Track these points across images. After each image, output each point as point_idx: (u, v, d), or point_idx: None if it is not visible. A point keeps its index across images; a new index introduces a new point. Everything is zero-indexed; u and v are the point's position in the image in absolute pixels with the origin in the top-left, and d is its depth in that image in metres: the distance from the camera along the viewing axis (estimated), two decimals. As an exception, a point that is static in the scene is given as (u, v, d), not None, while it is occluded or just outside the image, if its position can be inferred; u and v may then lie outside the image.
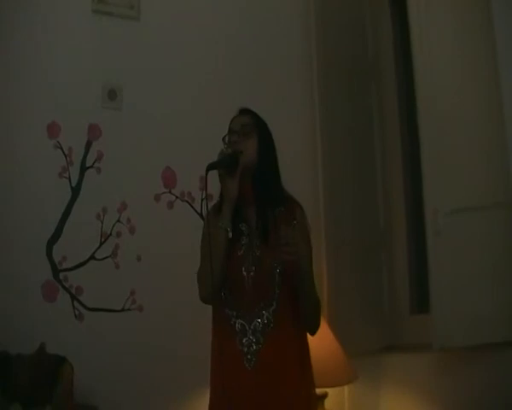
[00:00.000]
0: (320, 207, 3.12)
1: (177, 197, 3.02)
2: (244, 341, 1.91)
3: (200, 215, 3.00)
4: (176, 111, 3.05)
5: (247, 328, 1.92)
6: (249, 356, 1.89)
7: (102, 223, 2.87)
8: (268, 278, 1.95)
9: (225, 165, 1.94)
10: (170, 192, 3.01)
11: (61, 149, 2.85)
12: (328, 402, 2.75)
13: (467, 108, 2.44)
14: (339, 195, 3.13)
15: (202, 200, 3.03)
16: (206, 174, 1.90)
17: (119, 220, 2.90)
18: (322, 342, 2.63)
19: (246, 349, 1.90)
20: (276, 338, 1.92)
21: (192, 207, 3.04)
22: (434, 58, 2.54)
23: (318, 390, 2.68)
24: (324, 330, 2.72)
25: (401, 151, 3.23)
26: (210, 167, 1.92)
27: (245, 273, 1.95)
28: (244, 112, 2.11)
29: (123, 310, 2.83)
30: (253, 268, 1.95)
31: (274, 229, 1.96)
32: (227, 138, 2.04)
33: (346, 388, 3.01)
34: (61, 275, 2.77)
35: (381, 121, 3.33)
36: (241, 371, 1.89)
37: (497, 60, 2.24)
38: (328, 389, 2.72)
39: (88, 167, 2.89)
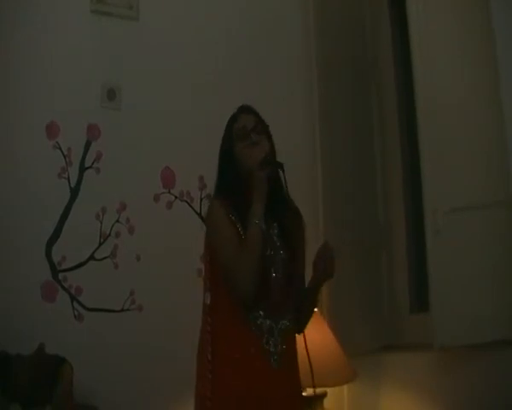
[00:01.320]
0: (320, 207, 3.12)
1: (176, 197, 3.02)
2: (271, 341, 1.91)
3: (200, 215, 3.00)
4: (175, 111, 3.05)
5: (275, 328, 1.93)
6: (276, 357, 1.91)
7: (102, 223, 2.87)
8: (297, 281, 2.00)
9: (277, 168, 1.96)
10: (169, 192, 3.01)
11: (60, 149, 2.85)
12: (327, 402, 2.75)
13: (467, 107, 2.44)
14: (339, 195, 3.13)
15: (201, 200, 3.03)
16: (281, 170, 1.95)
17: (118, 220, 2.89)
18: (321, 342, 2.63)
19: (273, 349, 1.91)
20: (291, 339, 1.98)
21: (191, 207, 3.03)
22: (434, 58, 2.54)
23: (318, 390, 2.68)
24: (324, 329, 2.72)
25: (401, 151, 3.24)
26: (278, 165, 1.95)
27: (274, 274, 1.96)
28: (249, 110, 2.08)
29: (122, 310, 2.83)
30: (281, 270, 1.97)
31: (291, 232, 2.01)
32: (246, 137, 1.99)
33: (345, 387, 3.01)
34: (61, 275, 2.77)
35: (381, 121, 3.33)
36: (270, 370, 1.90)
37: (497, 60, 2.24)
38: (327, 389, 2.72)
39: (87, 168, 2.89)
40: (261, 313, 1.92)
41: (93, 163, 2.90)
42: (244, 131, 2.00)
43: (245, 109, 2.08)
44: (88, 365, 2.59)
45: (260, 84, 3.20)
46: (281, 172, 1.96)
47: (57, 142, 2.84)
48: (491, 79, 2.30)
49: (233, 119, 2.06)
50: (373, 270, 3.18)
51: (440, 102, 2.51)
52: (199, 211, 3.03)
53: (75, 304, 2.77)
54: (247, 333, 1.91)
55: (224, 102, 3.01)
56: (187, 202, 3.03)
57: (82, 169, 2.88)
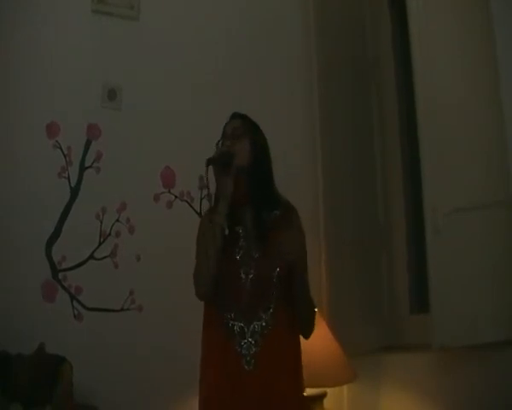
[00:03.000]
0: (320, 207, 3.12)
1: (176, 197, 3.02)
2: (243, 343, 1.92)
3: (200, 215, 3.00)
4: (175, 111, 3.05)
5: (246, 330, 1.93)
6: (248, 358, 1.91)
7: (102, 223, 2.87)
8: (266, 280, 1.97)
9: (221, 161, 1.98)
10: (169, 192, 3.01)
11: (61, 148, 2.85)
12: (327, 402, 2.75)
13: (467, 107, 2.44)
14: (339, 195, 3.13)
15: (201, 199, 3.03)
16: (207, 168, 1.94)
17: (118, 220, 2.90)
18: (321, 342, 2.63)
19: (245, 352, 1.92)
20: (273, 341, 1.94)
21: (191, 206, 3.04)
22: (434, 58, 2.54)
23: (318, 390, 2.68)
24: (324, 329, 2.71)
25: (401, 151, 3.24)
26: (209, 162, 1.96)
27: (243, 276, 1.96)
28: (235, 116, 2.13)
29: (122, 310, 2.83)
30: (252, 271, 1.97)
31: (271, 232, 1.98)
32: (220, 143, 2.06)
33: (345, 387, 3.01)
34: (61, 275, 2.77)
35: (381, 121, 3.33)
36: (241, 372, 1.90)
37: (497, 60, 2.24)
38: (327, 389, 2.72)
39: (87, 167, 2.89)
40: (232, 315, 1.94)
41: (93, 163, 2.90)
42: (223, 137, 2.07)
43: (232, 116, 2.13)
44: (88, 364, 2.59)
45: (260, 84, 3.20)
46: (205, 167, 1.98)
47: (57, 141, 2.85)
48: (491, 78, 2.30)
49: (223, 128, 2.12)
50: (373, 270, 3.18)
51: (440, 102, 2.51)
52: (199, 211, 3.03)
53: (75, 304, 2.77)
54: (220, 335, 1.95)
55: (224, 102, 3.03)
56: (187, 201, 3.03)
57: (82, 169, 2.88)
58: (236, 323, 1.93)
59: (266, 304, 1.95)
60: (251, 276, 1.96)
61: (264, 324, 1.94)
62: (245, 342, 1.92)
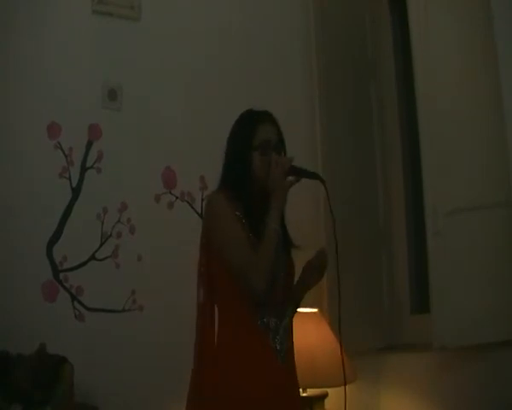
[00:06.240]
0: (320, 206, 3.12)
1: (177, 198, 3.02)
2: (277, 338, 1.94)
3: (200, 215, 3.00)
4: (176, 111, 3.05)
5: (279, 326, 1.95)
6: (282, 354, 1.94)
7: (103, 223, 2.87)
8: (292, 277, 2.05)
9: (305, 177, 1.98)
10: (170, 192, 3.01)
11: (62, 149, 2.85)
12: (328, 402, 2.75)
13: (467, 107, 2.44)
14: (339, 195, 3.11)
15: (202, 200, 3.03)
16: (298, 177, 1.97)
17: (119, 221, 2.90)
18: (322, 342, 2.64)
19: (279, 347, 1.94)
20: (291, 335, 2.01)
21: (192, 207, 3.04)
22: (434, 58, 2.54)
23: (318, 390, 2.68)
24: (324, 329, 2.72)
25: (401, 151, 3.24)
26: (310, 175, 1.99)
27: (277, 273, 1.97)
28: (274, 121, 2.05)
29: (123, 310, 2.83)
30: (283, 268, 2.00)
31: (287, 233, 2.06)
32: (270, 155, 1.97)
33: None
34: (62, 275, 2.77)
35: (381, 121, 3.33)
36: (277, 367, 1.92)
37: (497, 60, 2.24)
38: (328, 389, 2.72)
39: (88, 168, 2.90)
40: (268, 310, 1.94)
41: (94, 163, 2.90)
42: (268, 145, 1.99)
43: (271, 119, 2.05)
44: (88, 365, 2.60)
45: (260, 84, 3.20)
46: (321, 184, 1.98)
47: (58, 142, 2.85)
48: (491, 78, 2.30)
49: (256, 120, 2.02)
50: (373, 270, 3.18)
51: (440, 102, 2.51)
52: (200, 211, 3.03)
53: (76, 304, 2.77)
54: (253, 330, 1.93)
55: (225, 102, 3.04)
56: (188, 202, 3.04)
57: (83, 169, 2.88)
58: (272, 318, 1.94)
59: (290, 303, 2.02)
60: (283, 273, 1.99)
61: (289, 320, 2.00)
62: (277, 338, 1.94)
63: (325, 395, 2.72)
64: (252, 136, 1.98)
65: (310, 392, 2.66)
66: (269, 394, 1.87)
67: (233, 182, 1.98)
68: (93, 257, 2.83)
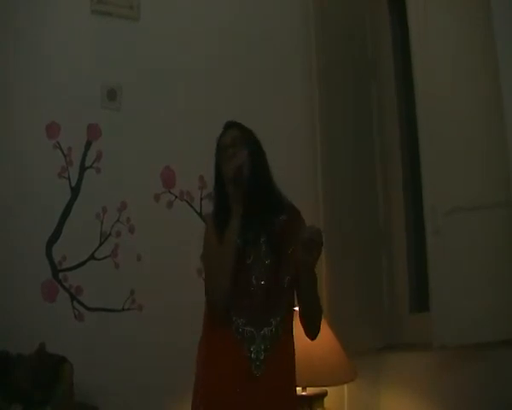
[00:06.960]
0: (320, 207, 3.12)
1: (176, 197, 3.02)
2: (252, 348, 1.92)
3: (200, 215, 3.00)
4: (175, 111, 3.05)
5: (256, 336, 1.93)
6: (258, 363, 1.92)
7: (102, 223, 2.87)
8: (277, 288, 1.99)
9: (243, 178, 1.99)
10: (169, 192, 3.01)
11: (61, 149, 2.85)
12: (327, 401, 2.75)
13: (466, 107, 2.44)
14: (338, 195, 3.13)
15: (201, 199, 3.03)
16: (235, 184, 1.99)
17: (118, 220, 2.90)
18: (321, 341, 2.63)
19: (254, 356, 1.92)
20: (281, 346, 1.97)
21: (191, 206, 3.04)
22: (434, 58, 2.54)
23: (318, 389, 2.68)
24: (324, 329, 2.71)
25: (400, 151, 3.24)
26: (238, 182, 1.98)
27: (254, 282, 1.97)
28: (231, 125, 2.13)
29: (123, 310, 2.83)
30: (264, 278, 1.97)
31: (280, 238, 2.00)
32: (224, 154, 2.05)
33: (345, 386, 3.01)
34: (61, 275, 2.77)
35: (381, 121, 3.33)
36: (250, 378, 1.91)
37: (497, 60, 2.24)
38: (327, 388, 2.72)
39: (87, 167, 2.90)
40: (243, 320, 1.94)
41: (93, 163, 2.90)
42: (222, 147, 2.07)
43: (227, 126, 2.13)
44: (88, 364, 2.60)
45: (260, 85, 3.21)
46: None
47: (58, 142, 2.85)
48: (491, 78, 2.30)
49: (218, 139, 2.12)
50: (373, 270, 3.18)
51: (440, 102, 2.51)
52: (199, 211, 3.03)
53: (75, 304, 2.77)
54: (229, 339, 1.94)
55: (224, 102, 3.04)
56: (187, 201, 3.04)
57: (82, 169, 2.89)
58: (247, 328, 1.94)
59: (277, 311, 1.97)
60: (262, 283, 1.97)
61: (273, 329, 1.95)
62: (254, 348, 1.92)
63: (324, 394, 2.72)
64: (216, 152, 2.10)
65: (309, 391, 2.66)
66: (234, 401, 1.89)
67: (216, 205, 2.10)
68: (92, 257, 2.83)
